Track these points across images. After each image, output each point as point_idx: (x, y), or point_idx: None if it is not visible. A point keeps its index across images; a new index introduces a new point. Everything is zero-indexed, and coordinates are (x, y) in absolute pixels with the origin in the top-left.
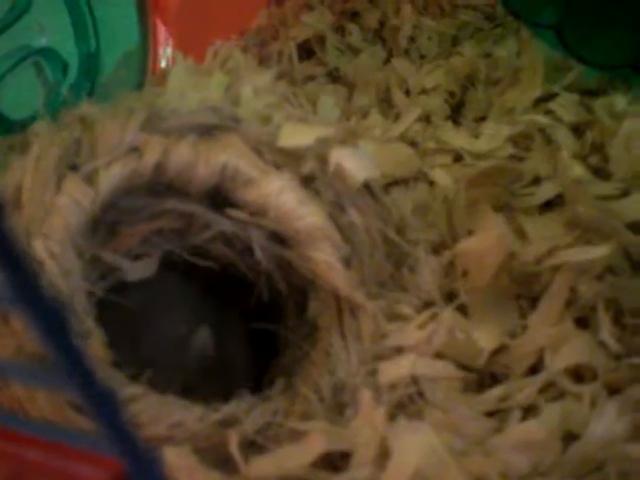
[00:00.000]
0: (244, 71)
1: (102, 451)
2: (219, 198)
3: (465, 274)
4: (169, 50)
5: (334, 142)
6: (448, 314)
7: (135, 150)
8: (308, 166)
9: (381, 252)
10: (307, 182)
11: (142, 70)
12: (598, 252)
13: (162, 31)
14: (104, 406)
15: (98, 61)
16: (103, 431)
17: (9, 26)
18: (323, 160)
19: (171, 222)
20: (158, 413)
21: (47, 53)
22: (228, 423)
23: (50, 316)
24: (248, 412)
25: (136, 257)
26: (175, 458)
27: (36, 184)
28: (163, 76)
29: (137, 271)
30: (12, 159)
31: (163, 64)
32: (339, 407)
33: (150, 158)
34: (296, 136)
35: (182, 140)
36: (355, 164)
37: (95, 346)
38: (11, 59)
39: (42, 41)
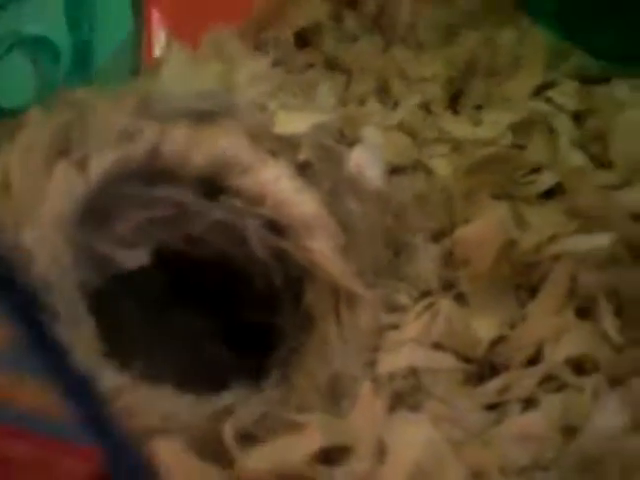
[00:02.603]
0: (240, 58)
1: (83, 441)
2: (214, 186)
3: (464, 263)
4: (164, 37)
5: (331, 129)
6: (447, 304)
7: (128, 135)
8: (304, 153)
9: (379, 240)
10: (303, 170)
11: (136, 58)
12: (599, 241)
13: (156, 18)
14: (78, 392)
15: (91, 49)
16: (80, 419)
17: None
18: (320, 147)
19: (164, 210)
20: (149, 404)
21: (39, 41)
22: (222, 414)
23: (19, 297)
24: (243, 403)
25: (130, 246)
26: (166, 450)
27: (26, 170)
28: (158, 64)
29: (130, 260)
30: (1, 146)
31: (158, 52)
32: (336, 397)
33: (143, 144)
34: (292, 123)
35: (176, 126)
36: (373, 169)
37: (85, 335)
38: (2, 46)
39: (33, 28)
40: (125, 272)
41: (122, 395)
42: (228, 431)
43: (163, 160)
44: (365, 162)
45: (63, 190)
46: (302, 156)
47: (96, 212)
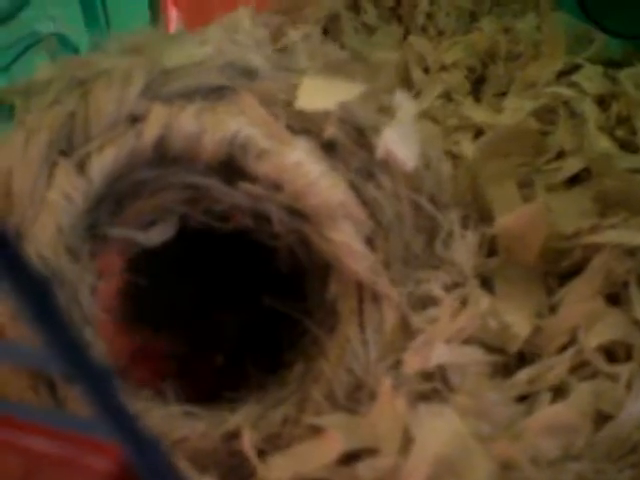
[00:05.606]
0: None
1: (103, 438)
2: (231, 171)
3: (502, 252)
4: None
5: (360, 105)
6: (481, 299)
7: (134, 122)
8: (330, 131)
9: (411, 224)
10: (329, 149)
11: None
12: None
13: (174, 14)
14: (99, 388)
15: None
16: (101, 416)
17: (17, 12)
18: (348, 124)
19: (181, 193)
20: (162, 430)
21: (57, 39)
22: (234, 435)
23: (37, 295)
24: (255, 423)
25: (150, 225)
26: None
27: (26, 173)
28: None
29: (154, 237)
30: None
31: None
32: (354, 406)
33: (150, 133)
34: (317, 97)
35: (186, 108)
36: (406, 149)
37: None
38: (20, 45)
39: (51, 27)
40: (147, 252)
41: None
42: (247, 440)
43: (173, 148)
44: (397, 141)
45: (64, 200)
46: (328, 134)
47: (107, 204)
